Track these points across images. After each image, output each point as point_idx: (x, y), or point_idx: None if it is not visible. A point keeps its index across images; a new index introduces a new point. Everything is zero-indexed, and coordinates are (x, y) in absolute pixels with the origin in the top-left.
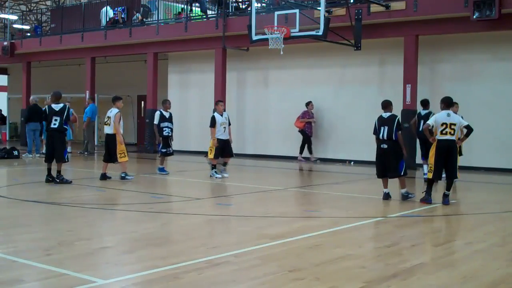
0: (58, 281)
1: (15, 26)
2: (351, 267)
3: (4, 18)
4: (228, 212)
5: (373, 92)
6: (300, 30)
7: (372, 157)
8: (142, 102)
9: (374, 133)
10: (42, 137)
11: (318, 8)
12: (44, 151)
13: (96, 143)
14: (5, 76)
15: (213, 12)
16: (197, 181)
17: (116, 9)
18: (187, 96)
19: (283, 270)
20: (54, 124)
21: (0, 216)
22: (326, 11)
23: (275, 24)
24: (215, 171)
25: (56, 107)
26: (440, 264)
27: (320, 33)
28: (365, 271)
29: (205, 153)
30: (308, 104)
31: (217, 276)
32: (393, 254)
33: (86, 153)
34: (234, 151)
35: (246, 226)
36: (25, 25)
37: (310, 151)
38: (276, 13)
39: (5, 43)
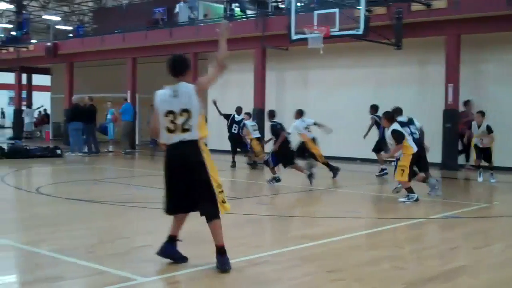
0: (99, 279)
1: (58, 27)
2: (391, 268)
3: (47, 19)
4: (268, 212)
5: (414, 92)
6: (340, 29)
7: None
8: None
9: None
10: (84, 136)
11: (358, 7)
12: (86, 149)
13: (137, 143)
14: (49, 76)
15: (252, 12)
16: (237, 180)
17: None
18: (227, 96)
19: (322, 270)
20: None
21: (43, 214)
22: (366, 10)
23: (315, 23)
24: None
25: None
26: (482, 268)
27: (360, 32)
28: (405, 273)
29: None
30: (466, 103)
31: (257, 275)
32: (433, 256)
33: (123, 152)
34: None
35: (286, 226)
36: (68, 26)
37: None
38: (316, 12)
39: (49, 44)
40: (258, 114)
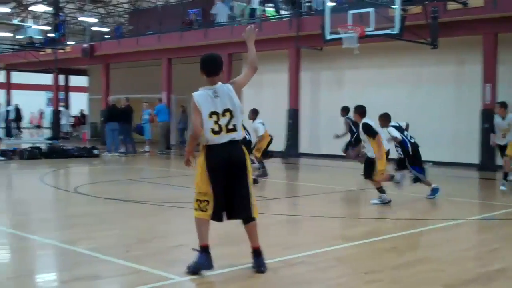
0: (136, 278)
1: (94, 28)
2: (429, 270)
3: (84, 21)
4: (303, 213)
5: (450, 92)
6: (375, 29)
7: (450, 158)
8: None
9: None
10: (121, 137)
11: (394, 6)
12: (122, 150)
13: (172, 143)
14: (85, 77)
15: (286, 12)
16: (270, 181)
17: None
18: (261, 96)
19: (358, 272)
20: None
21: (81, 213)
22: (402, 9)
23: (350, 23)
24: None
25: None
26: None
27: (396, 31)
28: (443, 275)
29: (280, 153)
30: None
31: (293, 276)
32: (471, 258)
33: (158, 152)
34: (308, 151)
35: (321, 227)
36: (104, 27)
37: None
38: (351, 12)
39: (85, 45)
40: (292, 115)
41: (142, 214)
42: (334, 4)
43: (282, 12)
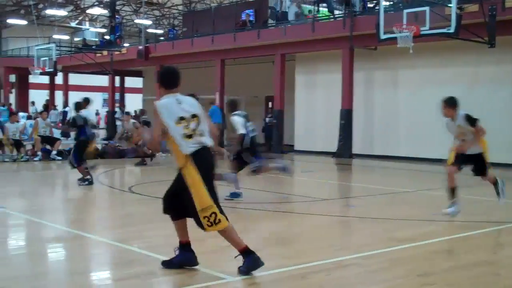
0: (189, 277)
1: (149, 30)
2: (485, 274)
3: (139, 23)
4: (355, 214)
5: (508, 92)
6: (430, 28)
7: (508, 159)
8: (270, 103)
9: None
10: None
11: (449, 5)
12: None
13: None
14: (140, 79)
15: (340, 12)
16: (324, 181)
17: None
18: (314, 96)
19: (412, 274)
20: None
21: (136, 212)
22: (458, 8)
23: (404, 22)
24: None
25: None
26: None
27: (452, 30)
28: (500, 279)
29: (333, 154)
30: None
31: (345, 277)
32: None
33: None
34: (361, 151)
35: (374, 228)
36: (159, 29)
37: None
38: (405, 11)
39: (140, 47)
40: (345, 116)
41: None
42: (389, 3)
43: (336, 12)
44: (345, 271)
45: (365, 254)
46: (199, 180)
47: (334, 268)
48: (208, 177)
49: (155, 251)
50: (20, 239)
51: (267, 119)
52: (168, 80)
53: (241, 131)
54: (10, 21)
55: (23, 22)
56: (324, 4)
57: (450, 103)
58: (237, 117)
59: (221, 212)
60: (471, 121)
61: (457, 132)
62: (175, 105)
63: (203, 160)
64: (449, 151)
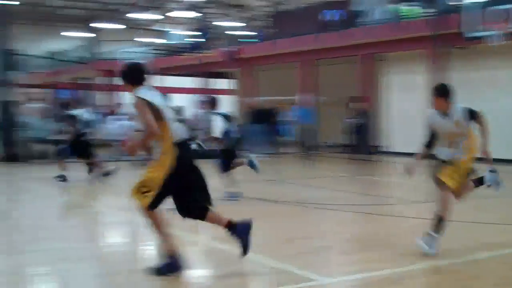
0: (281, 277)
1: (236, 33)
2: None
3: (227, 26)
4: (451, 218)
5: None
6: None
7: None
8: (353, 103)
9: None
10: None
11: None
12: (266, 151)
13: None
14: (228, 80)
15: (424, 11)
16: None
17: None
18: (393, 98)
19: (506, 283)
20: None
21: (226, 213)
22: None
23: (494, 19)
24: None
25: None
26: None
27: None
28: None
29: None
30: None
31: (439, 283)
32: None
33: (303, 153)
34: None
35: (470, 233)
36: (246, 31)
37: None
38: (494, 8)
39: (228, 49)
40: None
41: (286, 214)
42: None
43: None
44: (439, 277)
45: (461, 261)
46: (162, 178)
47: (427, 273)
48: (189, 177)
49: (249, 251)
50: None
51: (352, 120)
52: (138, 77)
53: (217, 134)
54: (103, 25)
55: (121, 27)
56: (407, 3)
57: (443, 92)
58: (218, 118)
59: (183, 209)
60: (473, 115)
61: (451, 131)
62: (156, 94)
63: (186, 160)
64: (452, 158)
